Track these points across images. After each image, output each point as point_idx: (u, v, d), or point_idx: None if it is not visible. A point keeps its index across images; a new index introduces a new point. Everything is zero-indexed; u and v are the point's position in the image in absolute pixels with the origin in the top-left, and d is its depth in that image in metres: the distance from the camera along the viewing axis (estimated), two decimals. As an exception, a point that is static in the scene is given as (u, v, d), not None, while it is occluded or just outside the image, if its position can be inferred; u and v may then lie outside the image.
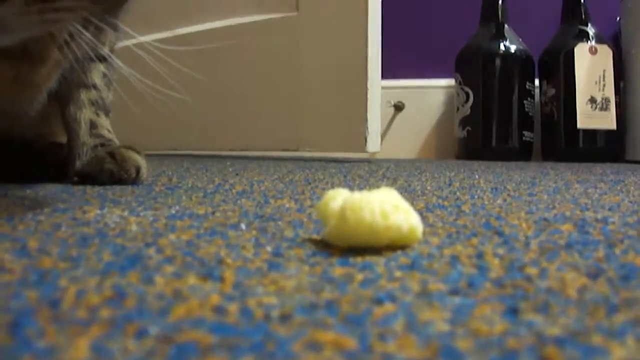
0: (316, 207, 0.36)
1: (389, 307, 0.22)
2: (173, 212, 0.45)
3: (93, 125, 0.71)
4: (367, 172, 0.94)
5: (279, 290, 0.24)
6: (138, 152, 0.70)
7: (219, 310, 0.21)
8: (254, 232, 0.37)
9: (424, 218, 0.43)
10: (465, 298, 0.23)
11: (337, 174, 0.90)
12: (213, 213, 0.45)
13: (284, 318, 0.21)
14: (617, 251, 0.32)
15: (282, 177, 0.79)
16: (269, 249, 0.32)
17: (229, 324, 0.20)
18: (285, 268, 0.27)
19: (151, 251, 0.31)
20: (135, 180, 0.68)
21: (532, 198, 0.58)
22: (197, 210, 0.46)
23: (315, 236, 0.36)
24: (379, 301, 0.23)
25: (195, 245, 0.32)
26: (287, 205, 0.50)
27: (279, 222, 0.41)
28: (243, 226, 0.39)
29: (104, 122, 0.73)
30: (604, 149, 1.56)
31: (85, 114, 0.70)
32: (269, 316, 0.21)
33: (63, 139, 0.74)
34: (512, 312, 0.22)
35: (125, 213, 0.44)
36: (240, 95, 1.48)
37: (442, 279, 0.26)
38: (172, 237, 0.35)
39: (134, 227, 0.38)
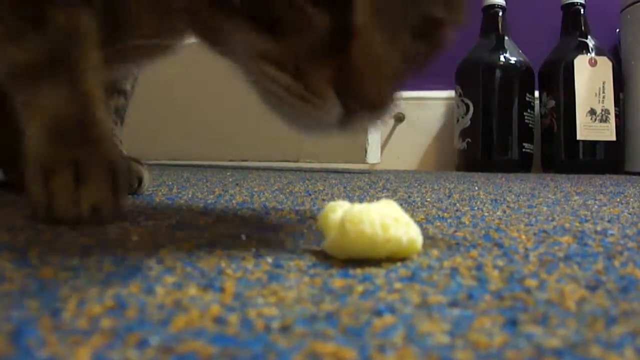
0: (317, 219, 0.36)
1: (388, 318, 0.22)
2: (173, 222, 0.45)
3: None
4: (367, 184, 0.95)
5: (279, 301, 0.24)
6: (141, 164, 0.70)
7: (219, 320, 0.21)
8: (254, 242, 0.37)
9: (423, 230, 0.43)
10: (464, 310, 0.23)
11: (337, 185, 0.90)
12: (213, 224, 0.45)
13: (284, 329, 0.21)
14: (616, 263, 0.33)
15: (283, 188, 0.79)
16: (269, 259, 0.32)
17: (230, 335, 0.20)
18: (285, 279, 0.28)
19: (152, 261, 0.31)
20: (136, 191, 0.68)
21: (531, 210, 0.59)
22: (197, 220, 0.47)
23: (315, 247, 0.36)
24: (378, 313, 0.23)
25: (195, 256, 0.32)
26: (288, 216, 0.50)
27: (279, 233, 0.41)
28: (243, 237, 0.39)
29: (118, 132, 0.72)
30: (604, 160, 1.56)
31: None
32: (269, 327, 0.21)
33: None
34: (512, 324, 0.22)
35: (126, 223, 0.44)
36: (240, 105, 1.48)
37: (442, 290, 0.26)
38: (173, 247, 0.35)
39: (135, 237, 0.38)
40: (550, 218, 0.52)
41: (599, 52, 1.58)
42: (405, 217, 0.32)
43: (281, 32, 0.35)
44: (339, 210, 0.34)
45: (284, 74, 0.36)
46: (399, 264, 0.31)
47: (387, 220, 0.31)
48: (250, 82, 0.41)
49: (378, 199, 0.35)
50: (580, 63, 1.56)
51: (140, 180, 0.68)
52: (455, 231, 0.43)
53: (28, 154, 0.47)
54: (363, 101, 0.35)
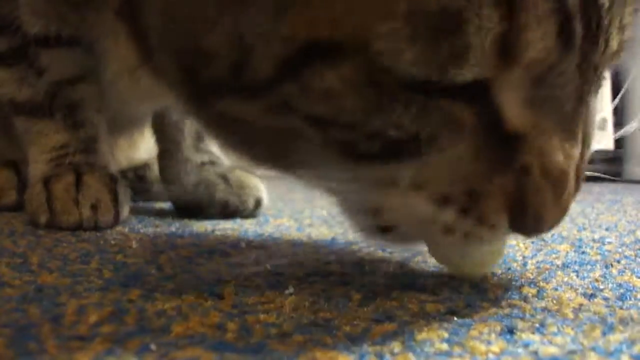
0: None
1: (387, 326, 0.22)
2: (173, 229, 0.45)
3: (199, 138, 0.55)
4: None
5: (278, 308, 0.24)
6: (256, 176, 0.57)
7: (218, 327, 0.21)
8: (253, 250, 0.37)
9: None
10: (462, 317, 0.23)
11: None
12: (213, 231, 0.45)
13: (283, 336, 0.21)
14: (614, 271, 0.33)
15: (282, 196, 0.79)
16: (268, 267, 0.32)
17: (229, 342, 0.20)
18: (284, 286, 0.28)
19: (151, 268, 0.31)
20: (252, 214, 0.55)
21: (530, 218, 0.59)
22: (197, 228, 0.47)
23: (314, 255, 0.36)
24: (377, 320, 0.23)
25: (195, 263, 0.33)
26: (287, 224, 0.50)
27: (279, 241, 0.41)
28: (242, 244, 0.39)
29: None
30: (602, 168, 1.56)
31: (192, 123, 0.54)
32: (268, 334, 0.21)
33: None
34: (509, 331, 0.22)
35: (126, 230, 0.44)
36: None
37: (440, 298, 0.26)
38: (172, 254, 0.35)
39: (135, 244, 0.38)
40: (548, 226, 0.52)
41: (597, 61, 1.59)
42: None
43: (418, 151, 0.25)
44: None
45: (448, 210, 0.25)
46: (397, 271, 0.32)
47: None
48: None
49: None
50: (579, 71, 1.57)
51: (258, 202, 0.55)
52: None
53: (30, 171, 0.48)
54: (540, 225, 0.26)
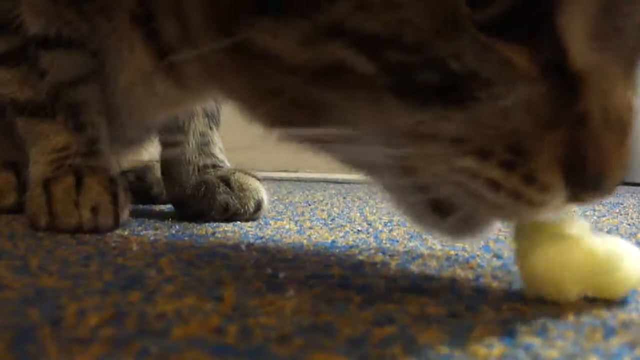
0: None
1: (388, 329, 0.22)
2: (173, 232, 0.45)
3: (204, 141, 0.56)
4: (366, 194, 0.95)
5: (278, 311, 0.24)
6: (258, 179, 0.56)
7: (218, 330, 0.21)
8: (253, 253, 0.37)
9: (422, 240, 0.43)
10: (463, 321, 0.23)
11: (337, 195, 0.90)
12: (213, 234, 0.45)
13: (284, 339, 0.21)
14: (615, 275, 0.33)
15: (282, 198, 0.79)
16: (268, 270, 0.32)
17: (229, 345, 0.20)
18: (284, 289, 0.28)
19: (151, 271, 0.31)
20: (252, 217, 0.54)
21: (530, 221, 0.58)
22: (197, 230, 0.47)
23: (315, 258, 0.36)
24: (378, 323, 0.23)
25: (195, 266, 0.32)
26: (287, 227, 0.50)
27: (279, 243, 0.41)
28: (243, 247, 0.39)
29: (216, 138, 0.57)
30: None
31: (197, 125, 0.55)
32: (268, 337, 0.21)
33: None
34: (510, 335, 0.22)
35: (126, 232, 0.44)
36: (239, 114, 1.48)
37: (441, 301, 0.26)
38: (173, 257, 0.35)
39: (135, 247, 0.38)
40: (549, 229, 0.52)
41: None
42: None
43: (460, 99, 0.23)
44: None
45: (489, 164, 0.24)
46: (398, 274, 0.31)
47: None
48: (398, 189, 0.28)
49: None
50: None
51: (258, 205, 0.54)
52: (455, 242, 0.43)
53: (31, 172, 0.47)
54: (601, 180, 0.23)
